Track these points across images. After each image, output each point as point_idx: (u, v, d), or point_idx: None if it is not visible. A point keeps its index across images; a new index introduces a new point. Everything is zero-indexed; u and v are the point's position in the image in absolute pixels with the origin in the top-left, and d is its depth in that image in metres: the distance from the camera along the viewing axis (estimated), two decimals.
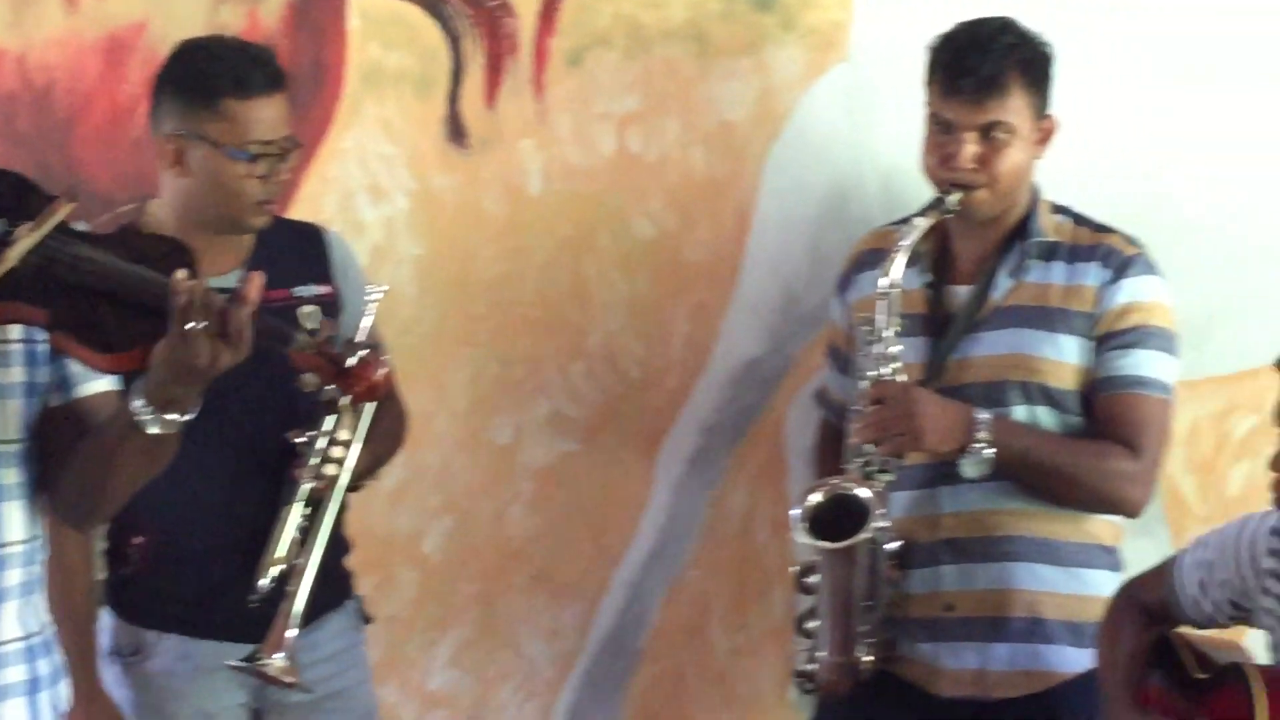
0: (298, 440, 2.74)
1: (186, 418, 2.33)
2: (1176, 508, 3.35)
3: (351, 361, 2.44)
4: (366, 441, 2.82)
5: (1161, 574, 2.70)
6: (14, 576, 2.38)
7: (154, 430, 2.30)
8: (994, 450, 2.77)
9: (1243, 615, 2.60)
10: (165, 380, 2.28)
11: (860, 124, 3.32)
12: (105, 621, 2.95)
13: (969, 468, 2.78)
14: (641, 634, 3.44)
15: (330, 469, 2.73)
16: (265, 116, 2.80)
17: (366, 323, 2.61)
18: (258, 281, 2.32)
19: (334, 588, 2.95)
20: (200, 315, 2.24)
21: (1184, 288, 3.05)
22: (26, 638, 2.41)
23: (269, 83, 2.81)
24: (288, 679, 2.74)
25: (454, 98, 3.33)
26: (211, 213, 2.79)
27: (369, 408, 2.67)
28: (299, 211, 3.12)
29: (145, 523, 2.76)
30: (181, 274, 2.27)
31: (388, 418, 2.87)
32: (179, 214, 2.81)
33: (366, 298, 2.67)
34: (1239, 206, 3.33)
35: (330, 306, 2.71)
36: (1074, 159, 3.08)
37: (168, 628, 2.89)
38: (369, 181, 3.32)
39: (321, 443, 2.75)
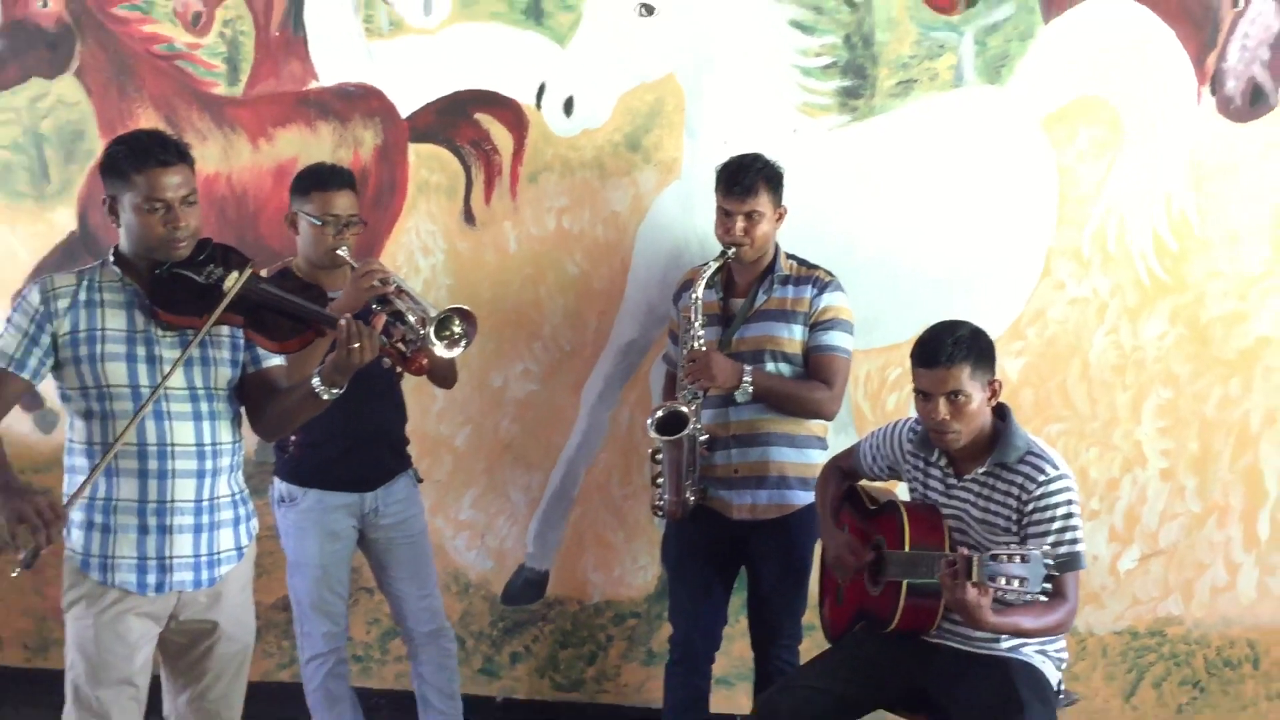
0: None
1: (339, 391, 2.79)
2: (859, 419, 4.03)
3: (408, 353, 2.79)
4: (434, 373, 3.37)
5: (851, 453, 3.43)
6: (226, 461, 2.92)
7: (324, 397, 2.79)
8: (753, 387, 3.47)
9: (896, 474, 3.36)
10: (333, 372, 2.76)
11: (688, 213, 3.98)
12: (276, 483, 3.60)
13: (739, 396, 3.50)
14: (575, 489, 4.19)
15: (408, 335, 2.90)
16: (342, 202, 3.38)
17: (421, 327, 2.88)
18: (380, 323, 2.68)
19: (399, 458, 3.62)
20: (355, 339, 2.70)
21: (860, 299, 3.70)
22: (233, 495, 2.97)
23: (343, 182, 3.43)
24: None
25: (467, 199, 4.01)
26: (313, 257, 3.40)
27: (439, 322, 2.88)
28: (383, 261, 3.70)
29: (299, 429, 3.19)
30: (347, 317, 2.69)
31: (443, 370, 3.51)
32: (304, 259, 3.46)
33: (425, 311, 3.02)
34: (889, 251, 3.94)
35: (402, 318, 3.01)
36: (799, 228, 3.75)
37: (309, 484, 3.55)
38: (421, 244, 4.03)
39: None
